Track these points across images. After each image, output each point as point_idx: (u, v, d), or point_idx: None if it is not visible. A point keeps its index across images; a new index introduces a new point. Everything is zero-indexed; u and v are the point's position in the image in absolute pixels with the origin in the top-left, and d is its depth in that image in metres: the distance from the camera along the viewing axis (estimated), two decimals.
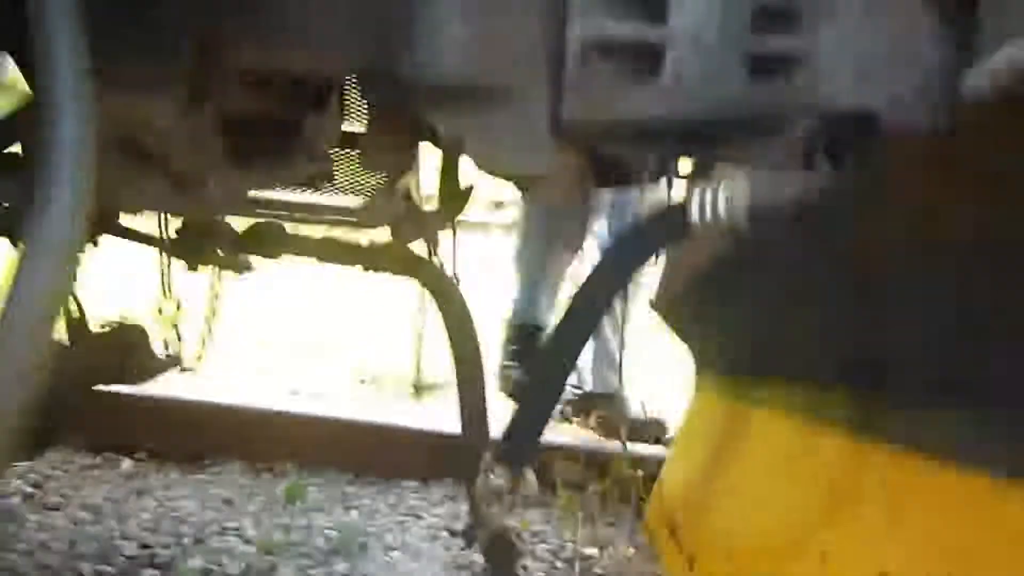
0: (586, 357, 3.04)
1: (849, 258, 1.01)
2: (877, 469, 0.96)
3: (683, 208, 1.08)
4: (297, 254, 1.80)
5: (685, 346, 1.82)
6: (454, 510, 2.22)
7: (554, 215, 3.01)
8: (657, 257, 1.36)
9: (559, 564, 1.99)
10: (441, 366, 3.52)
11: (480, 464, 1.45)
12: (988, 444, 0.80)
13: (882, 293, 0.95)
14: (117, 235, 1.70)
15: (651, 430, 2.84)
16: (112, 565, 1.82)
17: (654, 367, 3.27)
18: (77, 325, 1.41)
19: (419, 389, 3.40)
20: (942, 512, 0.84)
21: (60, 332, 1.48)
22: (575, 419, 3.11)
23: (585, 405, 3.08)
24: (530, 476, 1.85)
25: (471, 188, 1.49)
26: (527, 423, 1.33)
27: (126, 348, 1.42)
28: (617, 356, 2.94)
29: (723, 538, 1.31)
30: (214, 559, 1.88)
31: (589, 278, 1.16)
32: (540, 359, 1.25)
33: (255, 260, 1.92)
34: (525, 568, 1.95)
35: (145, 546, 1.92)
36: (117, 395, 2.62)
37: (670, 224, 1.09)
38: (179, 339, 1.81)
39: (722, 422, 1.53)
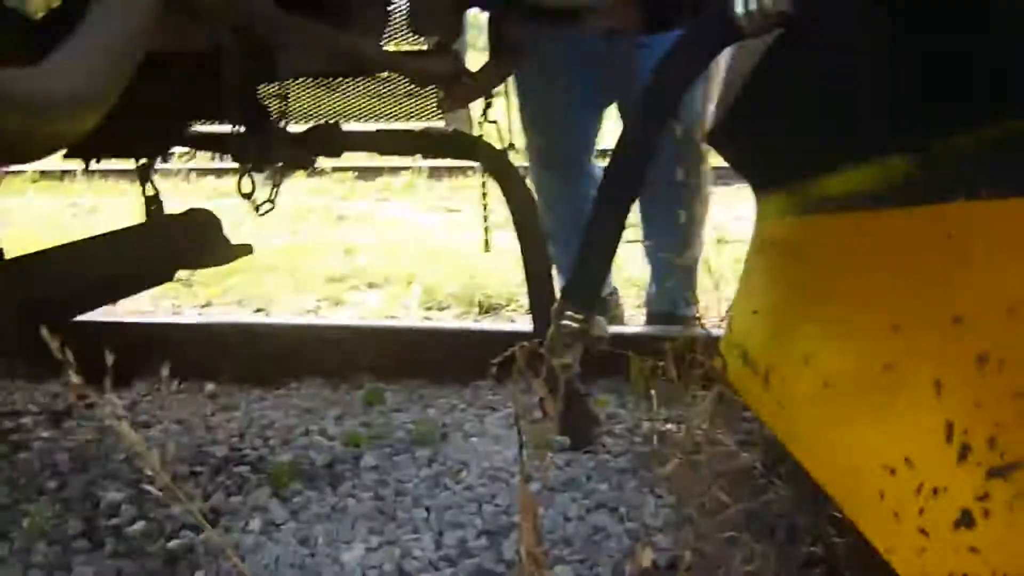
0: None
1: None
2: (939, 227, 0.96)
3: (728, 4, 1.09)
4: (355, 149, 1.84)
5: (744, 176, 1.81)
6: (529, 400, 2.25)
7: None
8: (707, 67, 1.34)
9: (637, 439, 2.02)
10: (505, 288, 3.57)
11: (551, 314, 1.48)
12: None
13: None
14: (187, 144, 1.74)
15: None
16: (205, 465, 1.90)
17: None
18: (152, 206, 1.46)
19: (484, 309, 3.43)
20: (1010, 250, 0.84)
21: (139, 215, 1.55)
22: None
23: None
24: (600, 320, 1.87)
25: (519, 45, 1.50)
26: (592, 265, 1.34)
27: (201, 230, 1.46)
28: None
29: (794, 343, 1.32)
30: (301, 455, 1.95)
31: (641, 102, 1.16)
32: (600, 196, 1.25)
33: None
34: (604, 446, 1.98)
35: (235, 449, 2.00)
36: (194, 325, 2.71)
37: (717, 24, 1.09)
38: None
39: (782, 239, 1.53)
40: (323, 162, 8.50)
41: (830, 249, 1.30)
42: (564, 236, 2.63)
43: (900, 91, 1.05)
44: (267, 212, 1.32)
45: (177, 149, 8.87)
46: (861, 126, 1.15)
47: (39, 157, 0.75)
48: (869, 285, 1.13)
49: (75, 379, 0.89)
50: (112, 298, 1.50)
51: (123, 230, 1.40)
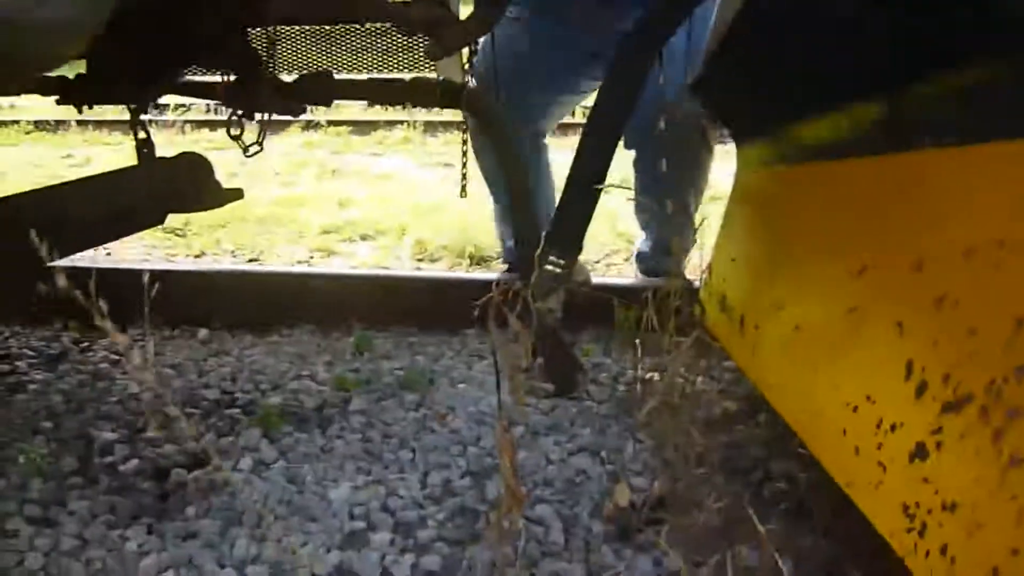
0: None
1: None
2: (905, 175, 0.99)
3: None
4: (345, 97, 1.85)
5: (726, 127, 1.83)
6: (515, 350, 2.28)
7: None
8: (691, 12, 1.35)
9: (621, 387, 2.06)
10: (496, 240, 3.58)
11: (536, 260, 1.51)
12: None
13: None
14: (178, 92, 1.75)
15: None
16: (198, 407, 1.94)
17: None
18: (144, 149, 1.47)
19: (474, 260, 3.46)
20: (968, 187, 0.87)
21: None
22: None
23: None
24: (583, 264, 1.89)
25: None
26: (573, 210, 1.37)
27: (192, 173, 1.48)
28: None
29: (768, 290, 1.36)
30: (292, 398, 1.98)
31: (625, 44, 1.18)
32: (582, 139, 1.27)
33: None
34: (588, 393, 2.03)
35: (226, 392, 2.04)
36: (188, 272, 2.74)
37: None
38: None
39: (759, 188, 1.56)
40: (318, 114, 8.49)
41: (803, 198, 1.33)
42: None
43: (868, 37, 1.07)
44: (255, 154, 1.33)
45: (172, 101, 8.84)
46: (832, 73, 1.17)
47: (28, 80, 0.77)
48: (839, 233, 1.16)
49: (105, 323, 0.88)
50: (102, 239, 1.52)
51: (113, 172, 1.42)
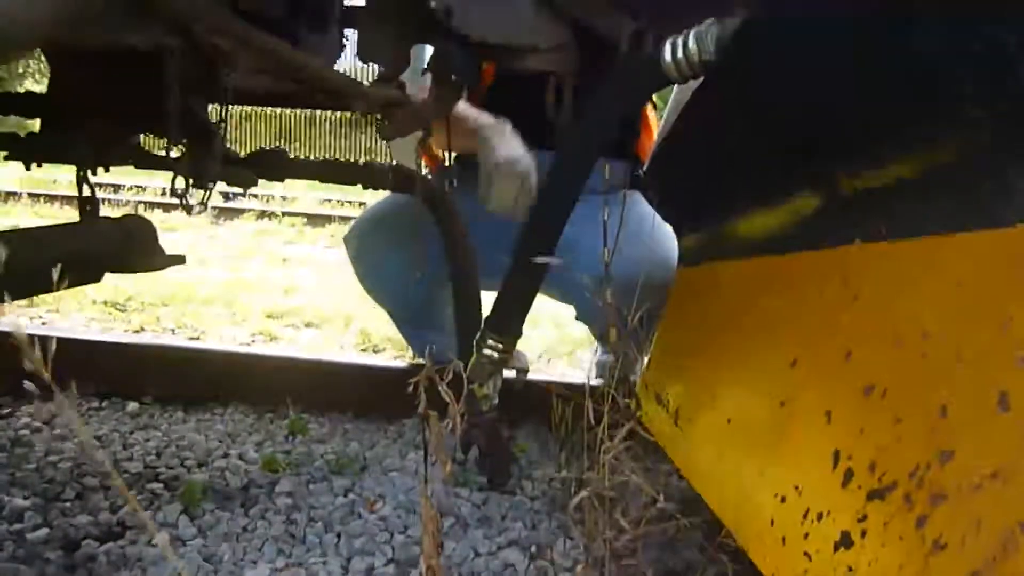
0: None
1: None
2: (836, 269, 1.01)
3: (657, 55, 1.14)
4: (299, 176, 1.85)
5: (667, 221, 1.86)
6: (451, 442, 2.25)
7: None
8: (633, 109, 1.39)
9: (556, 484, 2.03)
10: None
11: (474, 345, 1.50)
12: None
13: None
14: (129, 159, 1.74)
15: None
16: (117, 482, 1.86)
17: None
18: (88, 206, 1.45)
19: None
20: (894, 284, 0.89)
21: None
22: None
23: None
24: (521, 353, 1.88)
25: (461, 84, 1.54)
26: (514, 295, 1.37)
27: (133, 234, 1.46)
28: None
29: (702, 384, 1.36)
30: (217, 475, 1.92)
31: (569, 138, 1.21)
32: (525, 231, 1.29)
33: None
34: (521, 488, 1.99)
35: (149, 466, 1.97)
36: (121, 344, 2.68)
37: (645, 67, 1.14)
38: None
39: (698, 283, 1.58)
40: (274, 204, 8.49)
41: (737, 292, 1.35)
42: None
43: (793, 136, 1.11)
44: (199, 213, 1.32)
45: (127, 181, 8.79)
46: (761, 171, 1.21)
47: None
48: (771, 326, 1.18)
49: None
50: (32, 292, 1.49)
51: (50, 226, 1.40)
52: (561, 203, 1.26)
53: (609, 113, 1.19)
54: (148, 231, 1.48)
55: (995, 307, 0.76)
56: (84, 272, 1.40)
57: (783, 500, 0.99)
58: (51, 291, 1.41)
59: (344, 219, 8.12)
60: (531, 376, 2.68)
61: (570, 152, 1.23)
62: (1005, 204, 0.78)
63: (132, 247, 1.43)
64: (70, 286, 1.58)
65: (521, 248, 1.32)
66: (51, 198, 7.88)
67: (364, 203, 8.90)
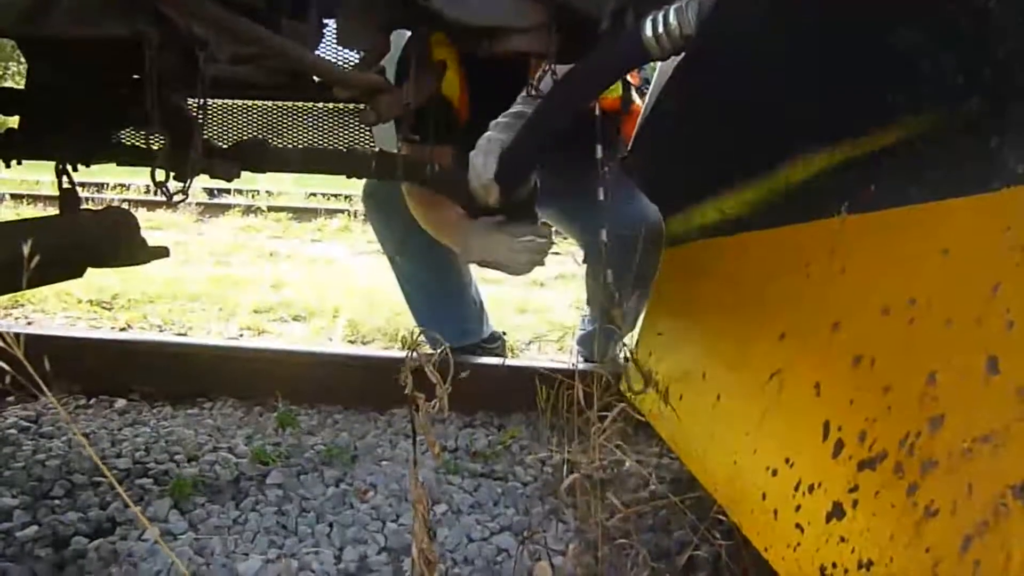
0: None
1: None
2: (821, 242, 1.01)
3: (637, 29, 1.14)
4: (283, 166, 1.84)
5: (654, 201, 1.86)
6: (443, 431, 2.25)
7: None
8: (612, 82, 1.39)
9: (548, 469, 2.03)
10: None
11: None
12: None
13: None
14: (109, 156, 1.73)
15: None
16: (106, 477, 1.85)
17: None
18: (68, 198, 1.44)
19: (406, 343, 3.42)
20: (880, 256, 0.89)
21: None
22: None
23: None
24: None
25: (444, 64, 1.53)
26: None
27: (115, 227, 1.44)
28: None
29: (691, 361, 1.36)
30: (207, 469, 1.91)
31: (543, 102, 1.20)
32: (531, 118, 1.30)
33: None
34: (513, 474, 1.99)
35: (138, 462, 1.95)
36: (108, 341, 2.66)
37: (626, 43, 1.14)
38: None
39: (685, 263, 1.58)
40: (260, 200, 8.45)
41: (725, 270, 1.35)
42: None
43: (773, 111, 1.11)
44: (180, 203, 1.30)
45: (111, 179, 8.74)
46: (744, 148, 1.21)
47: None
48: (759, 301, 1.17)
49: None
50: (10, 288, 1.47)
51: (29, 219, 1.38)
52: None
53: (585, 82, 1.20)
54: (130, 224, 1.47)
55: (982, 273, 0.76)
56: (64, 267, 1.38)
57: (774, 474, 0.98)
58: (21, 289, 1.39)
59: (330, 212, 8.09)
60: (522, 362, 2.69)
61: (537, 119, 1.23)
62: (990, 170, 0.78)
63: (113, 240, 1.41)
64: (50, 282, 1.57)
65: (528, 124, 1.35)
66: (34, 199, 7.82)
67: (350, 196, 8.87)
